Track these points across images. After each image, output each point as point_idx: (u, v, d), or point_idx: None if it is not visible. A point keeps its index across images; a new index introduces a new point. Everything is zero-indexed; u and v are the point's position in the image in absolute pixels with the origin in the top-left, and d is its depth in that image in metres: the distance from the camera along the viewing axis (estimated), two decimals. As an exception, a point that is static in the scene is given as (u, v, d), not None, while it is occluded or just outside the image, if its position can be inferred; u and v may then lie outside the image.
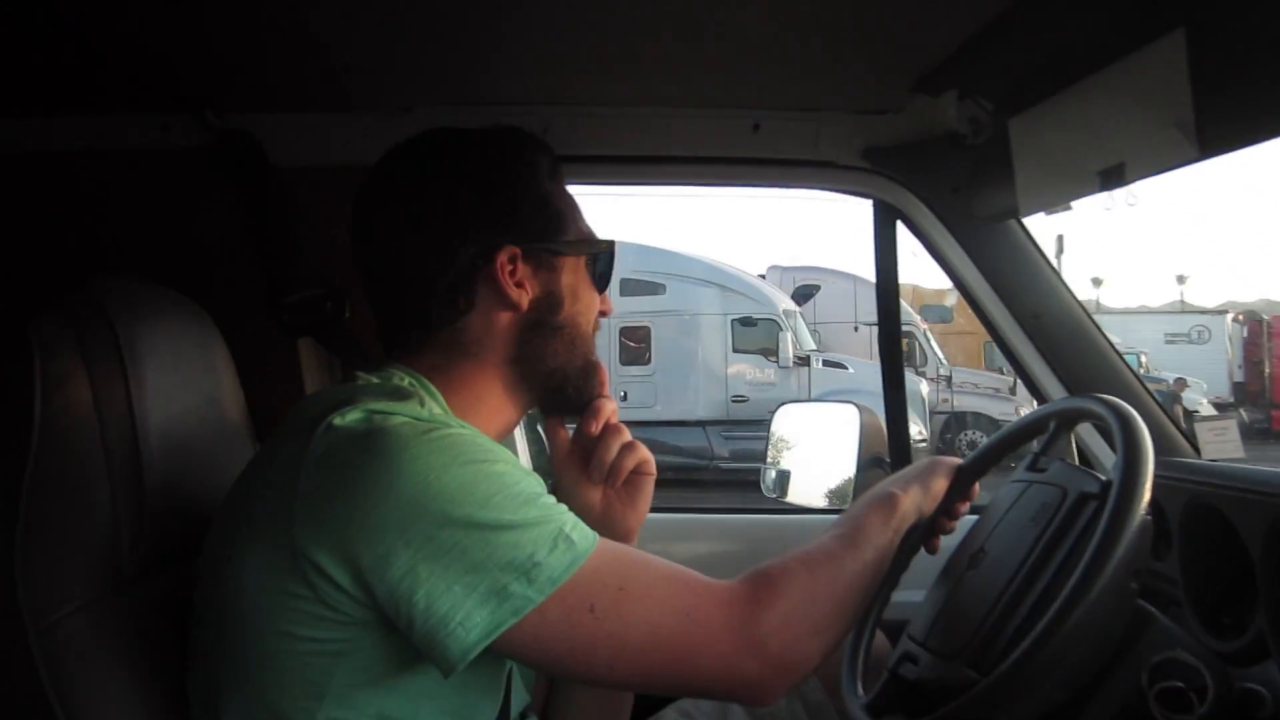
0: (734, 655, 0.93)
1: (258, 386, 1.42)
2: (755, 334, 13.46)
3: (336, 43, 1.41)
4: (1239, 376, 21.01)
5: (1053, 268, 1.68)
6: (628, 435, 1.20)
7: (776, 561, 1.00)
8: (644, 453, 1.21)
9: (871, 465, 1.96)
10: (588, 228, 1.15)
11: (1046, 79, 1.33)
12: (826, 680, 1.39)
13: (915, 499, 1.17)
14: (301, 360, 1.67)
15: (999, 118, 1.48)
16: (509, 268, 1.06)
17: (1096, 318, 1.74)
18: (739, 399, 12.89)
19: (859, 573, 1.04)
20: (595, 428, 1.19)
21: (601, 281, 1.16)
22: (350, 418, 0.93)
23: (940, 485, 1.21)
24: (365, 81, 1.55)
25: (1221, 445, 1.65)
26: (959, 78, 1.49)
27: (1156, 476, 1.01)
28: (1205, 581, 1.25)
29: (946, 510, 1.23)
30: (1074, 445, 1.23)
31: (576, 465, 1.21)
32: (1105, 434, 1.36)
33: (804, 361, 13.34)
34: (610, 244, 1.16)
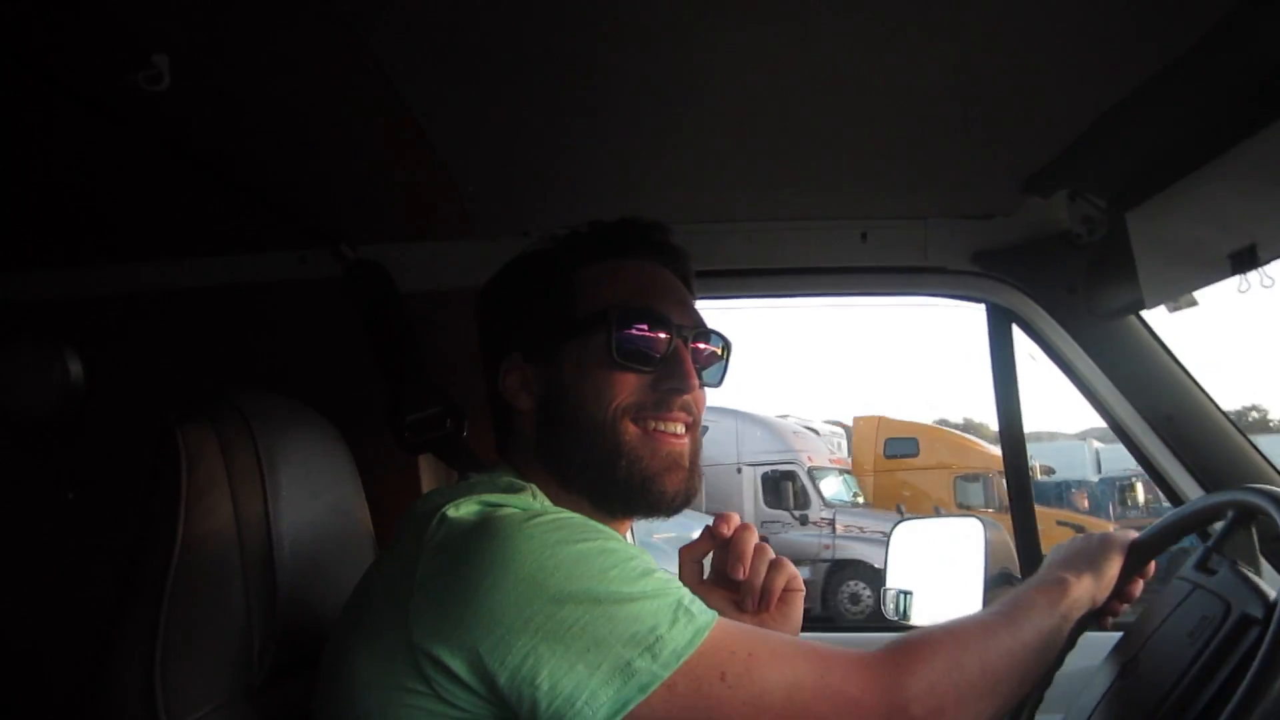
0: (875, 718, 0.87)
1: (380, 499, 1.45)
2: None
3: (463, 172, 1.51)
4: None
5: (1181, 365, 1.62)
6: (772, 553, 1.16)
7: (919, 631, 0.95)
8: (791, 568, 1.17)
9: (1000, 582, 1.87)
10: (621, 299, 1.08)
11: (1162, 170, 1.32)
12: None
13: (1088, 587, 1.08)
14: (422, 475, 1.71)
15: (1113, 213, 1.46)
16: (514, 374, 1.10)
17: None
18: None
19: (1015, 651, 0.97)
20: (727, 529, 1.16)
21: (630, 356, 1.06)
22: (464, 510, 0.94)
23: (1114, 569, 1.11)
24: (488, 209, 1.64)
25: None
26: (1069, 178, 1.50)
27: None
28: None
29: (1120, 593, 1.13)
30: (1255, 541, 1.08)
31: (717, 593, 1.16)
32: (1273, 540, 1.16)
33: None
34: (610, 311, 1.06)
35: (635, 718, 0.84)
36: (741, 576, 1.13)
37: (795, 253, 1.70)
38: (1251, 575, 1.01)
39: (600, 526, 0.95)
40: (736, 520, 1.17)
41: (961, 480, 14.51)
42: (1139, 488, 16.16)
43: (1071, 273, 1.61)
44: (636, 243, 1.15)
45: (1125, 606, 1.15)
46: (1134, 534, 1.16)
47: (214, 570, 1.10)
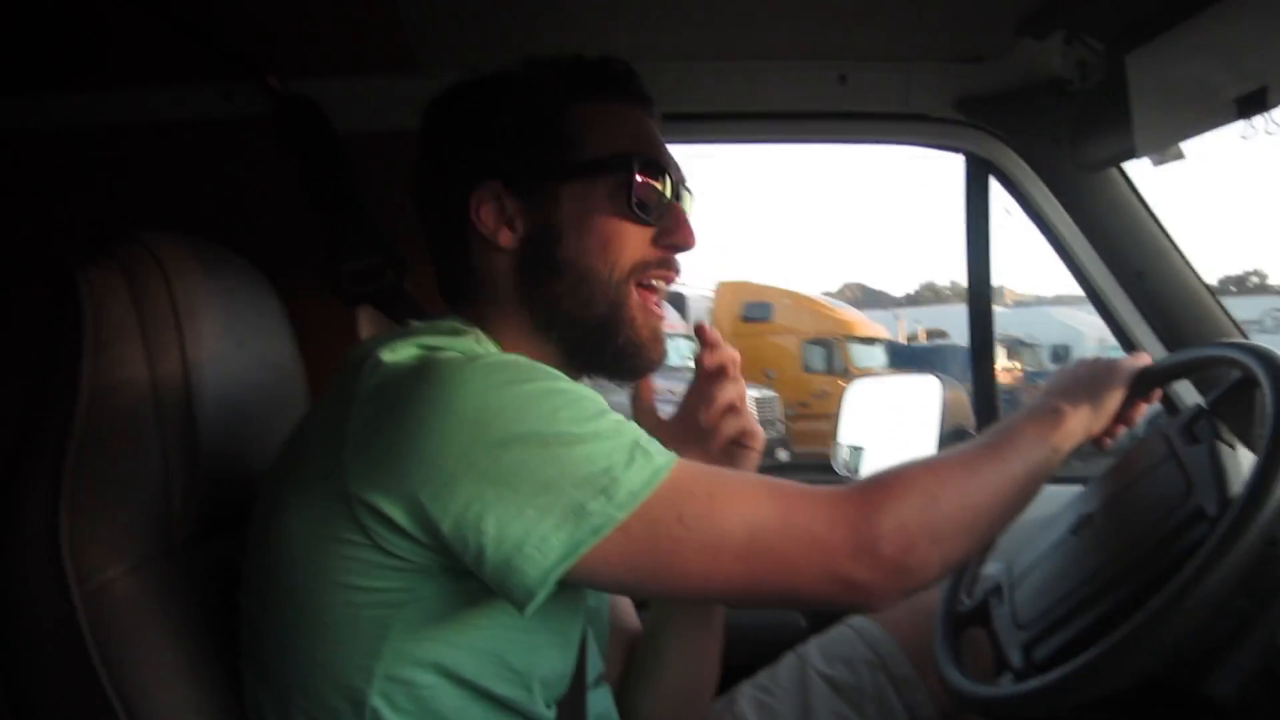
0: (841, 557, 0.84)
1: (316, 355, 1.36)
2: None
3: None
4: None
5: (1159, 222, 1.57)
6: (736, 397, 1.12)
7: (895, 466, 0.91)
8: (749, 423, 1.12)
9: (953, 439, 1.88)
10: (624, 147, 1.02)
11: (1170, 8, 1.22)
12: (914, 654, 1.32)
13: (1084, 419, 1.03)
14: (361, 329, 1.63)
15: (1112, 57, 1.37)
16: (492, 204, 1.01)
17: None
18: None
19: (999, 484, 0.93)
20: (709, 358, 1.12)
21: (634, 209, 1.00)
22: (401, 353, 0.88)
23: (1115, 400, 1.07)
24: (430, 38, 1.49)
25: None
26: (1067, 18, 1.39)
27: None
28: None
29: (1121, 415, 1.09)
30: (1257, 413, 0.94)
31: (669, 430, 1.14)
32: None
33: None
34: (631, 158, 1.00)
35: (587, 562, 0.80)
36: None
37: (770, 95, 1.58)
38: (1227, 458, 0.95)
39: (548, 368, 0.88)
40: (726, 353, 1.12)
41: (807, 344, 14.90)
42: (1003, 354, 16.89)
43: (1058, 123, 1.52)
44: (625, 87, 1.06)
45: (1123, 429, 1.11)
46: (1144, 360, 1.10)
47: (124, 425, 1.02)
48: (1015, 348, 16.62)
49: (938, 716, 1.28)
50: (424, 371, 0.84)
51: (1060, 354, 16.91)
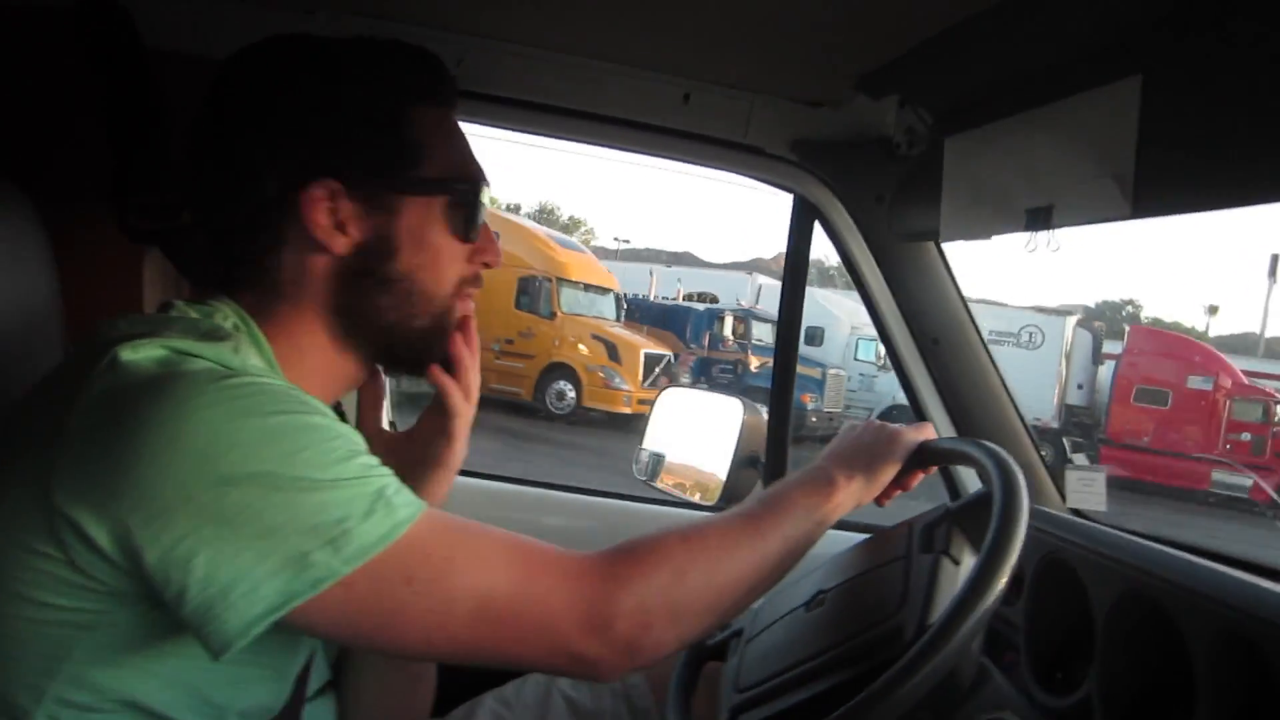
0: (573, 634, 0.83)
1: (86, 298, 1.23)
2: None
3: None
4: (1077, 398, 17.48)
5: (961, 296, 1.64)
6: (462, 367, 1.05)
7: (652, 535, 0.90)
8: (456, 397, 1.05)
9: (745, 465, 1.91)
10: (461, 165, 0.99)
11: (992, 102, 1.27)
12: (658, 686, 1.33)
13: (856, 491, 1.04)
14: (145, 274, 1.48)
15: (936, 133, 1.42)
16: (325, 204, 0.91)
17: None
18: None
19: (753, 563, 0.92)
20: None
21: (465, 228, 0.98)
22: (142, 354, 0.79)
23: (890, 473, 1.08)
24: None
25: (1086, 496, 1.66)
26: (902, 83, 1.42)
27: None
28: (1046, 633, 1.24)
29: (898, 481, 1.11)
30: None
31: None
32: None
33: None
34: (472, 185, 0.98)
35: (301, 612, 0.76)
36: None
37: (614, 100, 1.55)
38: (945, 579, 0.97)
39: (306, 398, 0.82)
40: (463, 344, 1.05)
41: (521, 279, 14.90)
42: (727, 321, 18.37)
43: (883, 181, 1.57)
44: (451, 89, 1.01)
45: (898, 492, 1.14)
46: (926, 434, 1.13)
47: None
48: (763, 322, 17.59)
49: None
50: (160, 386, 0.77)
51: (812, 335, 17.84)
